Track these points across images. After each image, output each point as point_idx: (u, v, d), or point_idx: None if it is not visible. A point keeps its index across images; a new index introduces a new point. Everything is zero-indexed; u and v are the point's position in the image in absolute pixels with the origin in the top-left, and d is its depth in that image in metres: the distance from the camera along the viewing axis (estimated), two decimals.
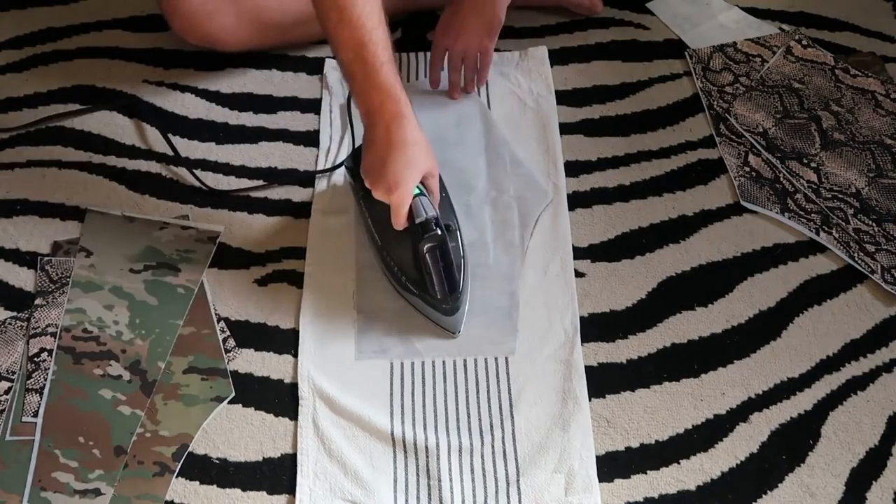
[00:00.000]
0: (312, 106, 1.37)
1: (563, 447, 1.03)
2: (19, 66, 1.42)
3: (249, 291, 1.17)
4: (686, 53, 1.45)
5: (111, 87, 1.39)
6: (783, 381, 1.10)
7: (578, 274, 1.19)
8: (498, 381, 1.09)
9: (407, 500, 1.00)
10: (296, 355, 1.11)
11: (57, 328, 1.12)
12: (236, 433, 1.05)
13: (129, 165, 1.30)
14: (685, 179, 1.29)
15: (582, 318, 1.14)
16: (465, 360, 1.11)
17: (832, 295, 1.17)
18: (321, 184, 1.27)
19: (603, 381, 1.09)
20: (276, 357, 1.11)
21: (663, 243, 1.22)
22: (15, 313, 1.14)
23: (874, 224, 1.23)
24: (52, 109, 1.36)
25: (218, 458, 1.03)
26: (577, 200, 1.26)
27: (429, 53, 1.37)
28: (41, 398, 1.06)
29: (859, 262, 1.20)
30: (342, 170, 1.26)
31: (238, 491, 1.01)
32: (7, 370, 1.09)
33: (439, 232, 1.08)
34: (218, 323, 1.14)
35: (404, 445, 1.04)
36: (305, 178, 1.28)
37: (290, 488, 1.01)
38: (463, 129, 1.33)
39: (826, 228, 1.23)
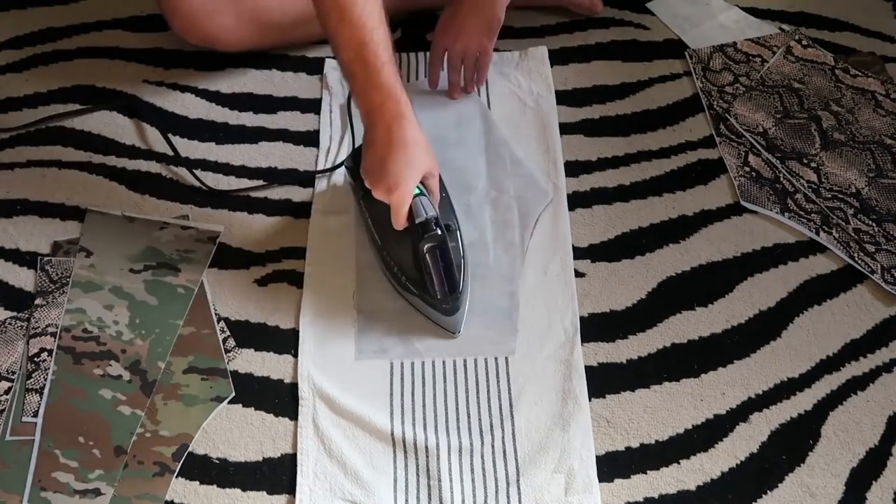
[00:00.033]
0: (312, 106, 1.37)
1: (563, 447, 1.03)
2: (19, 66, 1.42)
3: (249, 291, 1.17)
4: (686, 53, 1.45)
5: (111, 87, 1.39)
6: (783, 381, 1.10)
7: (578, 274, 1.19)
8: (498, 381, 1.09)
9: (407, 500, 1.00)
10: (296, 355, 1.11)
11: (57, 328, 1.12)
12: (236, 433, 1.05)
13: (129, 165, 1.30)
14: (685, 179, 1.29)
15: (582, 318, 1.14)
16: (465, 360, 1.11)
17: (832, 295, 1.17)
18: (321, 184, 1.27)
19: (603, 381, 1.09)
20: (276, 357, 1.11)
21: (663, 243, 1.22)
22: (15, 313, 1.14)
23: (874, 224, 1.23)
24: (52, 109, 1.36)
25: (218, 458, 1.03)
26: (577, 200, 1.26)
27: (429, 53, 1.37)
28: (41, 398, 1.06)
29: (859, 262, 1.20)
30: (342, 170, 1.26)
31: (238, 491, 1.01)
32: (7, 370, 1.09)
33: (439, 232, 1.08)
34: (218, 323, 1.14)
35: (404, 445, 1.04)
36: (305, 178, 1.28)
37: (290, 488, 1.01)
38: (463, 129, 1.33)
39: (826, 228, 1.23)
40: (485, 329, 1.13)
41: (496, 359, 1.11)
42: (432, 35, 1.36)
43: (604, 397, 1.08)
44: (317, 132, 1.34)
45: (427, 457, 1.03)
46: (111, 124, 1.35)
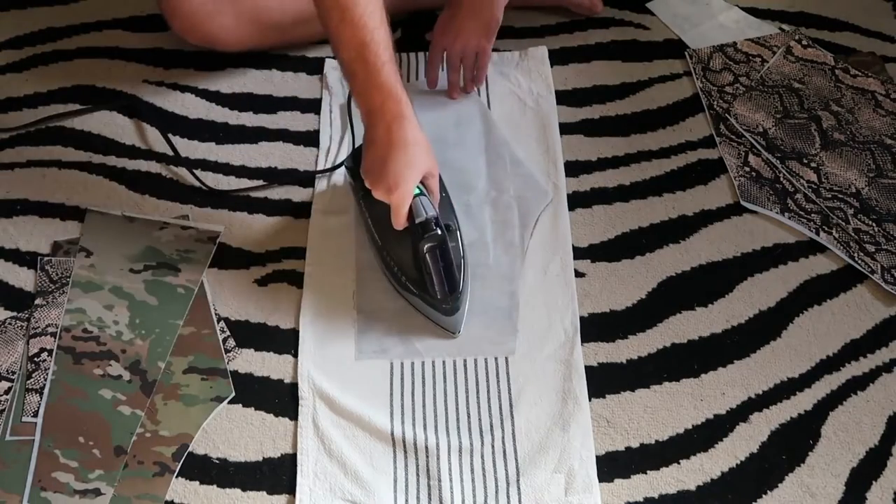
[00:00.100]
0: (312, 106, 1.37)
1: (563, 447, 1.03)
2: (19, 66, 1.42)
3: (249, 291, 1.17)
4: (686, 53, 1.45)
5: (111, 87, 1.39)
6: (783, 381, 1.10)
7: (578, 274, 1.19)
8: (498, 381, 1.09)
9: (407, 500, 1.00)
10: (296, 355, 1.11)
11: (57, 328, 1.12)
12: (236, 433, 1.05)
13: (129, 165, 1.30)
14: (685, 179, 1.29)
15: (582, 318, 1.14)
16: (465, 360, 1.11)
17: (832, 295, 1.17)
18: (321, 184, 1.27)
19: (603, 381, 1.09)
20: (276, 357, 1.11)
21: (663, 243, 1.22)
22: (15, 313, 1.14)
23: (874, 224, 1.23)
24: (52, 109, 1.36)
25: (218, 458, 1.03)
26: (577, 200, 1.26)
27: (427, 53, 1.37)
28: (41, 398, 1.06)
29: (859, 262, 1.20)
30: (342, 170, 1.26)
31: (238, 491, 1.01)
32: (7, 370, 1.09)
33: (439, 232, 1.08)
34: (218, 323, 1.14)
35: (404, 445, 1.04)
36: (305, 178, 1.28)
37: (290, 488, 1.01)
38: (463, 129, 1.33)
39: (826, 228, 1.23)
40: (485, 329, 1.13)
41: (496, 359, 1.11)
42: (431, 35, 1.36)
43: (604, 397, 1.08)
44: (317, 132, 1.34)
45: (427, 457, 1.03)
46: (111, 124, 1.35)
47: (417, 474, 1.02)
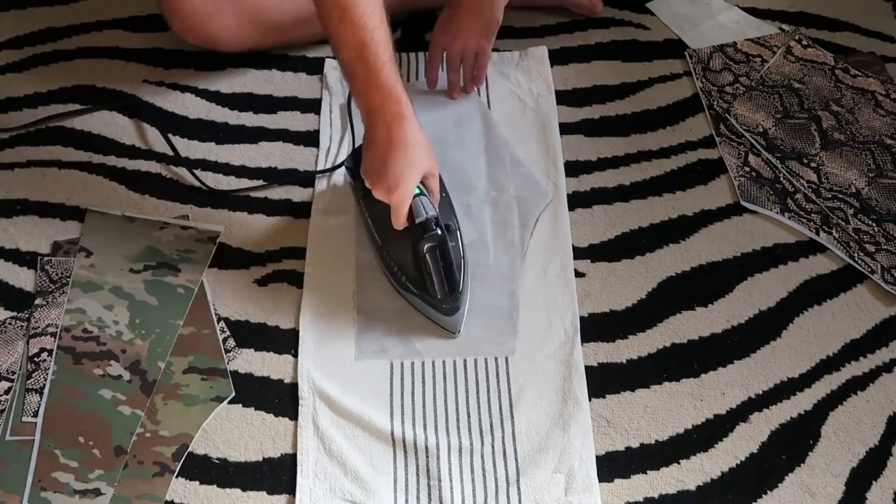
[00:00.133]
0: (312, 106, 1.37)
1: (563, 447, 1.03)
2: (19, 66, 1.42)
3: (249, 291, 1.17)
4: (686, 53, 1.45)
5: (111, 87, 1.39)
6: (783, 381, 1.10)
7: (578, 274, 1.19)
8: (498, 381, 1.09)
9: (407, 500, 1.00)
10: (296, 355, 1.11)
11: (57, 328, 1.12)
12: (236, 433, 1.05)
13: (129, 165, 1.30)
14: (685, 179, 1.29)
15: (582, 318, 1.14)
16: (465, 360, 1.11)
17: (832, 295, 1.17)
18: (321, 184, 1.27)
19: (603, 381, 1.09)
20: (276, 357, 1.11)
21: (663, 243, 1.22)
22: (15, 313, 1.14)
23: (874, 224, 1.23)
24: (52, 109, 1.36)
25: (218, 458, 1.03)
26: (577, 200, 1.26)
27: (427, 53, 1.37)
28: (41, 398, 1.06)
29: (859, 262, 1.20)
30: (342, 170, 1.26)
31: (238, 491, 1.01)
32: (7, 370, 1.09)
33: (439, 232, 1.08)
34: (218, 323, 1.14)
35: (404, 445, 1.04)
36: (305, 178, 1.28)
37: (290, 488, 1.01)
38: (463, 129, 1.33)
39: (826, 228, 1.23)
40: (485, 329, 1.13)
41: (496, 359, 1.11)
42: (430, 35, 1.36)
43: (604, 397, 1.08)
44: (317, 132, 1.34)
45: (427, 457, 1.03)
46: (111, 124, 1.35)
47: (417, 474, 1.02)
